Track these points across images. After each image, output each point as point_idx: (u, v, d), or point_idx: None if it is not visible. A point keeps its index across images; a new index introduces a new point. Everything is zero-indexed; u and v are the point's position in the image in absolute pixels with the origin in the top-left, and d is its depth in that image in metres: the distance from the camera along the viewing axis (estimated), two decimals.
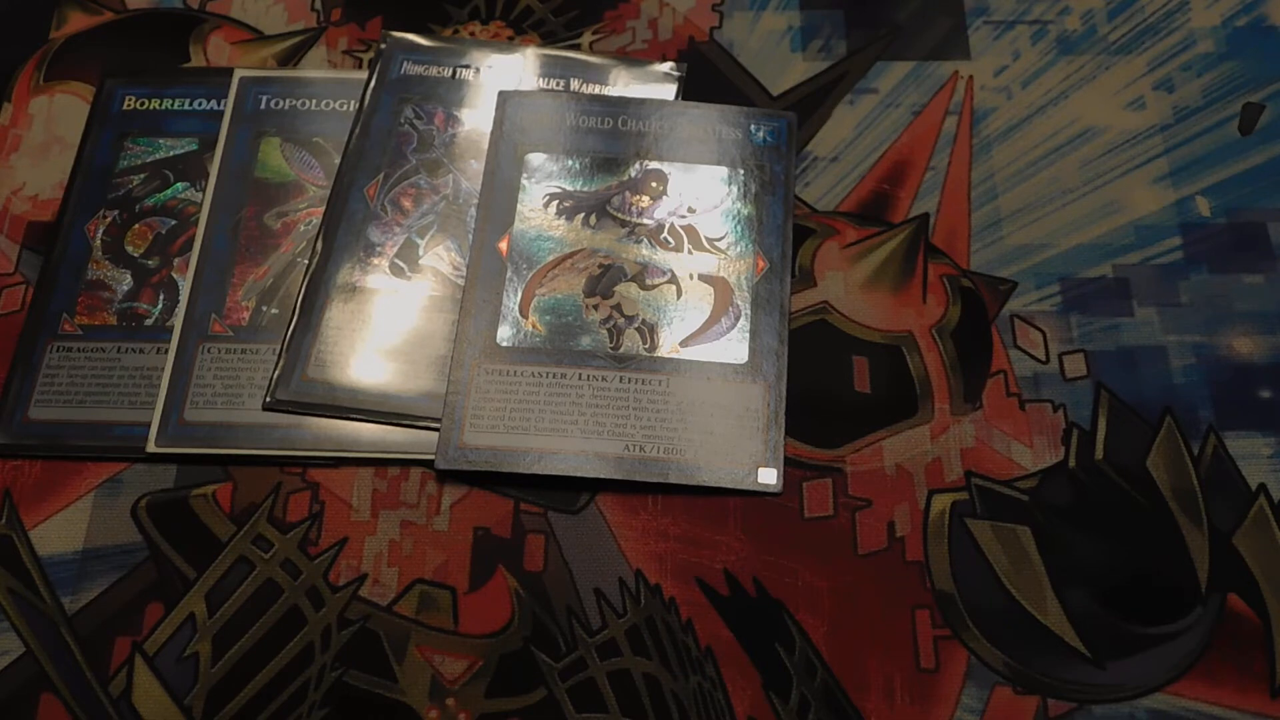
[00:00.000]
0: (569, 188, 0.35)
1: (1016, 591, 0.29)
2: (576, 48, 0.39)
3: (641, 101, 0.36)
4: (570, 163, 0.35)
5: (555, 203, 0.35)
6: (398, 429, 0.32)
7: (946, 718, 0.28)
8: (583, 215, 0.35)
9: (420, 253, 0.34)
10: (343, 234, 0.34)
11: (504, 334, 0.33)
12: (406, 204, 0.35)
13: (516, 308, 0.33)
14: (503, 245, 0.34)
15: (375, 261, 0.34)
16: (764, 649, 0.29)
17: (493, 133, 0.36)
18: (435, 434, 0.32)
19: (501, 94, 0.36)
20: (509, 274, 0.34)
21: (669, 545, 0.30)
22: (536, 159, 0.35)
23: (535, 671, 0.29)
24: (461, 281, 0.34)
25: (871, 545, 0.30)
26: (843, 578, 0.30)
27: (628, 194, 0.35)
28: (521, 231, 0.34)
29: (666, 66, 0.38)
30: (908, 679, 0.29)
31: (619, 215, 0.35)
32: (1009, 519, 0.30)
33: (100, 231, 0.35)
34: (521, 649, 0.29)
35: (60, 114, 0.38)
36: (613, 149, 0.36)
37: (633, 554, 0.30)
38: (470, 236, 0.34)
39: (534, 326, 0.33)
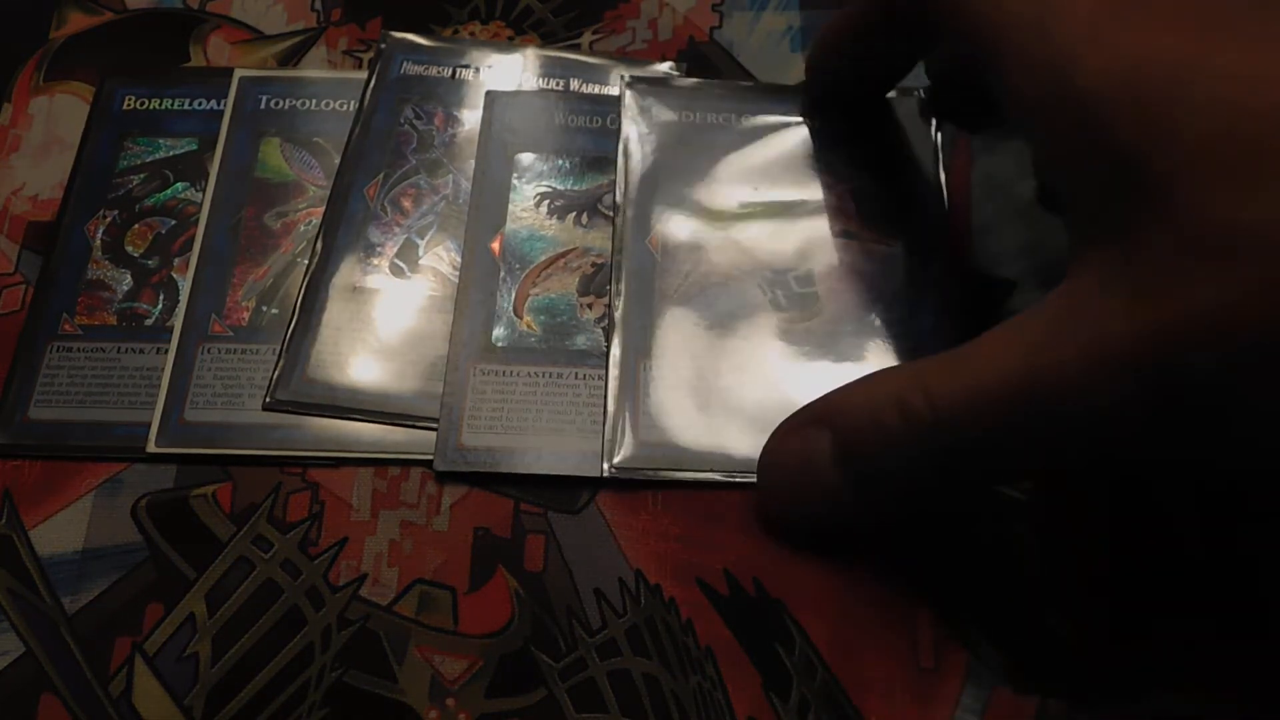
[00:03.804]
0: (560, 187, 0.35)
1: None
2: (576, 48, 0.39)
3: None
4: (560, 162, 0.35)
5: (546, 202, 0.35)
6: (397, 429, 0.32)
7: (946, 718, 0.28)
8: (574, 214, 0.35)
9: (420, 253, 0.34)
10: (343, 234, 0.34)
11: (499, 334, 0.33)
12: (406, 204, 0.35)
13: (511, 308, 0.33)
14: (495, 245, 0.34)
15: (375, 261, 0.34)
16: (764, 649, 0.29)
17: (481, 133, 0.36)
18: (435, 434, 0.31)
19: (489, 94, 0.36)
20: (502, 274, 0.34)
21: (669, 545, 0.30)
22: (526, 159, 0.35)
23: (535, 671, 0.29)
24: None
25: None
26: (843, 578, 0.30)
27: None
28: (514, 231, 0.34)
29: (666, 67, 0.38)
30: (908, 679, 0.29)
31: (610, 213, 0.35)
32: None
33: (100, 231, 0.35)
34: (521, 649, 0.29)
35: (60, 114, 0.38)
36: (602, 147, 0.36)
37: (633, 554, 0.30)
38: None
39: (529, 326, 0.33)
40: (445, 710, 0.29)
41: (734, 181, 0.35)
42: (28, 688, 0.29)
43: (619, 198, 0.34)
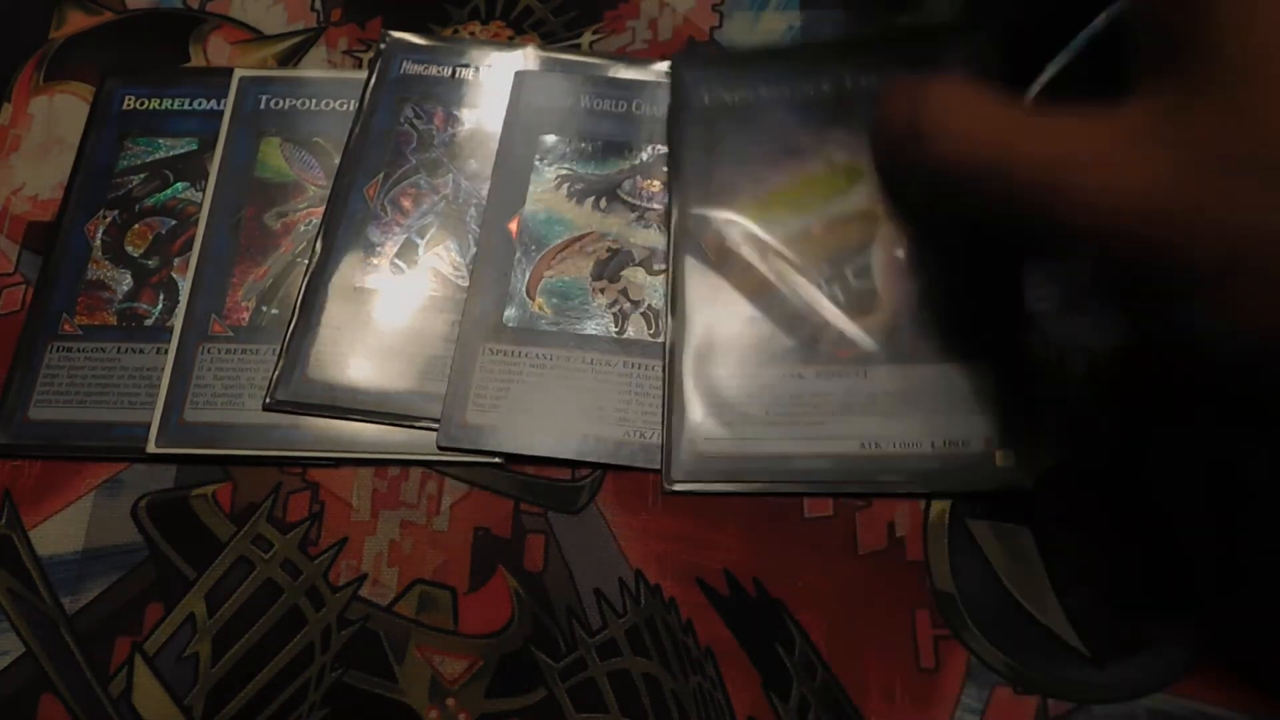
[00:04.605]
0: (580, 170, 0.35)
1: (1016, 591, 0.29)
2: (576, 48, 0.39)
3: (656, 85, 0.36)
4: (583, 145, 0.35)
5: (566, 185, 0.35)
6: (398, 429, 0.32)
7: (946, 718, 0.28)
8: (593, 199, 0.35)
9: (420, 253, 0.34)
10: (343, 234, 0.34)
11: (510, 315, 0.33)
12: (406, 204, 0.35)
13: (524, 289, 0.33)
14: (513, 226, 0.34)
15: (375, 261, 0.34)
16: (764, 649, 0.29)
17: (507, 113, 0.36)
18: (435, 434, 0.32)
19: (518, 74, 0.37)
20: (518, 255, 0.34)
21: (669, 545, 0.30)
22: (550, 140, 0.35)
23: (535, 671, 0.29)
24: (462, 282, 0.34)
25: (871, 545, 0.30)
26: (843, 578, 0.30)
27: (639, 178, 0.35)
28: (532, 213, 0.34)
29: (666, 66, 0.38)
30: (908, 679, 0.29)
31: (629, 200, 0.35)
32: (1009, 519, 0.30)
33: (100, 231, 0.35)
34: (521, 649, 0.29)
35: (60, 114, 0.38)
36: (625, 133, 0.36)
37: (633, 554, 0.30)
38: (470, 236, 0.35)
39: (540, 308, 0.33)
40: (445, 710, 0.29)
41: (794, 158, 0.33)
42: (28, 688, 0.29)
43: (669, 194, 0.34)
